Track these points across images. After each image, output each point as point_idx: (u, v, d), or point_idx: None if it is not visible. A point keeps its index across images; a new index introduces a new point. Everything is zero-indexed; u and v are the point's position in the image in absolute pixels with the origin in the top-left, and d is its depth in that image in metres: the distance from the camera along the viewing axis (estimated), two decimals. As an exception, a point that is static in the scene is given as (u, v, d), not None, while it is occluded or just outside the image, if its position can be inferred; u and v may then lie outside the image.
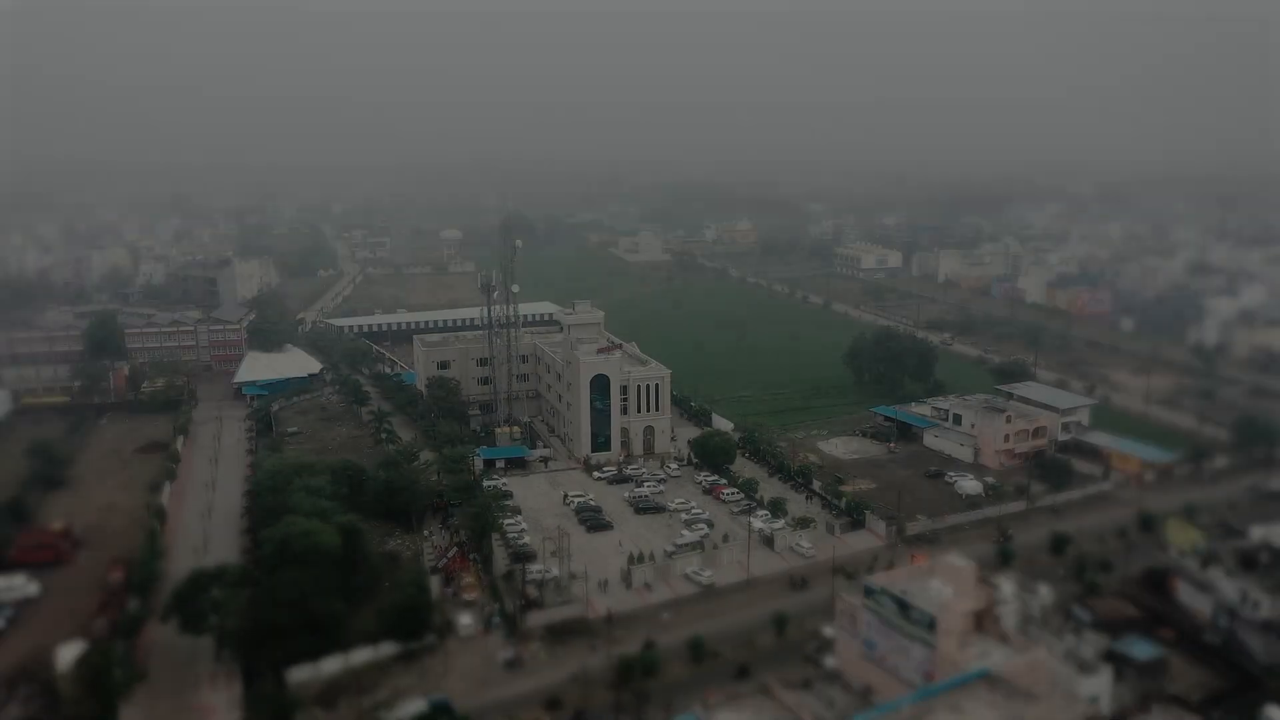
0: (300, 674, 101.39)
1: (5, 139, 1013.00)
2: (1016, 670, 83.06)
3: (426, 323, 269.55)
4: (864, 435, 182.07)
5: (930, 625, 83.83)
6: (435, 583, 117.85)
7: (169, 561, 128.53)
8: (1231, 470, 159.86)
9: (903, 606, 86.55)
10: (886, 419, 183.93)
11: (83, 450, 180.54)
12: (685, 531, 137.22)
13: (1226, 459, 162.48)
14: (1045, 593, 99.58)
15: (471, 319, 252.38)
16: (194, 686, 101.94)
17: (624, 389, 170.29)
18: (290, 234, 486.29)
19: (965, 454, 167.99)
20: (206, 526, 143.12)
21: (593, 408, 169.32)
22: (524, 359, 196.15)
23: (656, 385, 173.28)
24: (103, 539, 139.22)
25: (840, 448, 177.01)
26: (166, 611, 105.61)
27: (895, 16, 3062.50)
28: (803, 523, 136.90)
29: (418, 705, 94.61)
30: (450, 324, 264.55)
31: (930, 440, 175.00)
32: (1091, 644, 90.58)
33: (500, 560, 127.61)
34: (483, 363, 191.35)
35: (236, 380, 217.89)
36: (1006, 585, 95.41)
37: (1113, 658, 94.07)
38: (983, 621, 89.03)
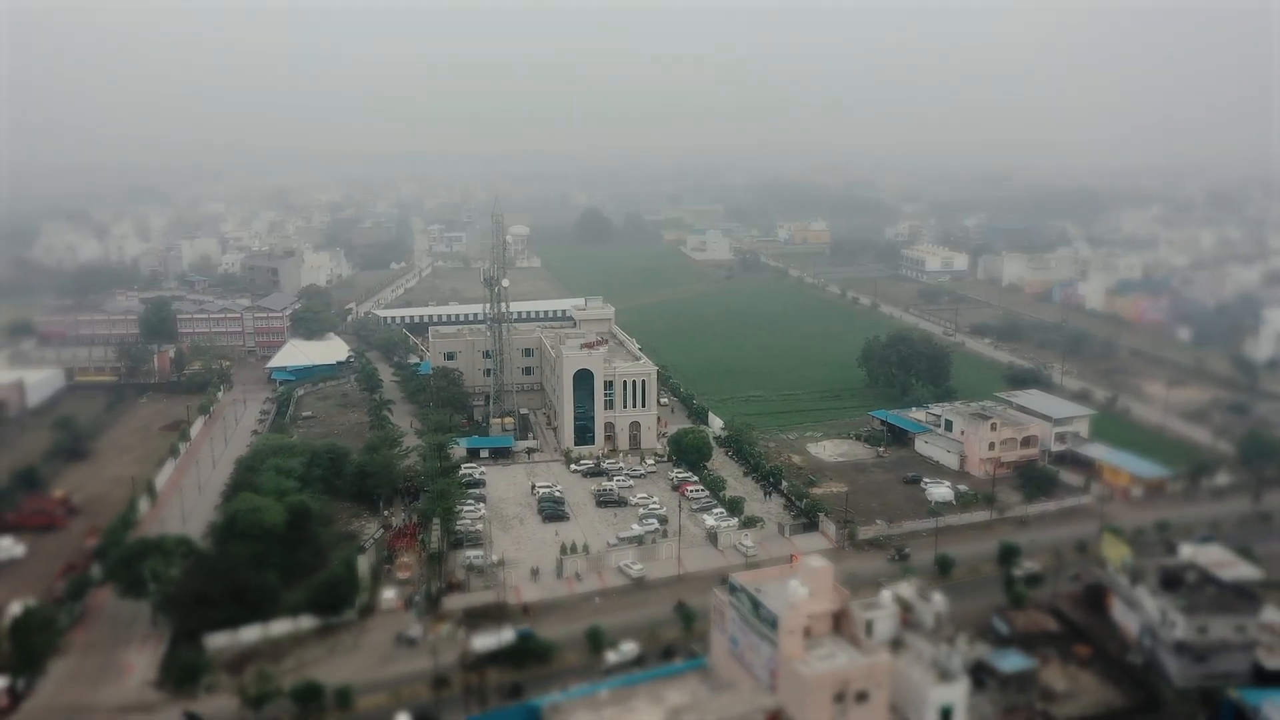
0: (219, 640, 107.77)
1: (126, 144, 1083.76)
2: (857, 672, 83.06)
3: (460, 315, 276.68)
4: (857, 438, 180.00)
5: (774, 624, 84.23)
6: (365, 561, 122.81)
7: (145, 532, 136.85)
8: (1233, 488, 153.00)
9: (755, 605, 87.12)
10: (881, 423, 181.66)
11: (115, 425, 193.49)
12: (635, 525, 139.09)
13: (1230, 476, 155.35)
14: (939, 600, 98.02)
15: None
16: (124, 646, 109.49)
17: (608, 384, 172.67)
18: (375, 228, 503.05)
19: (951, 460, 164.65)
20: (194, 501, 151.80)
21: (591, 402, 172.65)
22: (529, 353, 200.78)
23: (643, 381, 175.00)
24: (102, 508, 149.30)
25: (828, 450, 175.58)
26: (106, 576, 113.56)
27: (1001, 13, 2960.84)
28: (749, 522, 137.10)
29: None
30: (476, 317, 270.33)
31: (920, 446, 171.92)
32: (960, 653, 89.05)
33: (438, 543, 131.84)
34: (488, 354, 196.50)
35: (270, 365, 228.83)
36: (887, 592, 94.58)
37: (979, 669, 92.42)
38: (840, 623, 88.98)
